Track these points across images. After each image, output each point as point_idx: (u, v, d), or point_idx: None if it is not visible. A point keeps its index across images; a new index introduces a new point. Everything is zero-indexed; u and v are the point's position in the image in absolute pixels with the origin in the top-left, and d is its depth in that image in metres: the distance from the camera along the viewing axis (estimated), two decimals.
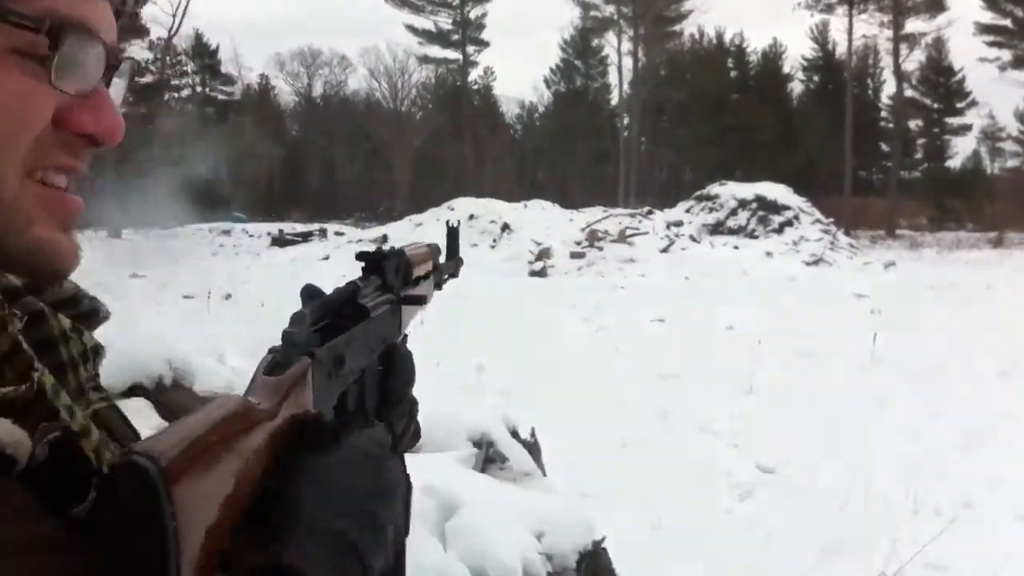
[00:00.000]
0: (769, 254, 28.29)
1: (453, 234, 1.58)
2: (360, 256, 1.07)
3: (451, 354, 12.26)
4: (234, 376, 4.75)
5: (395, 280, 1.08)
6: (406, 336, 1.22)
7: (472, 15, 64.29)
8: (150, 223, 46.83)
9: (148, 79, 54.79)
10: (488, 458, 5.53)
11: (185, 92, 62.91)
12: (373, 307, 0.97)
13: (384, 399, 1.01)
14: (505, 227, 28.88)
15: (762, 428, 8.75)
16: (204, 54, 62.43)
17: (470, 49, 65.04)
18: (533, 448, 6.09)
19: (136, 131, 56.25)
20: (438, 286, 1.41)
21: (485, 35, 65.49)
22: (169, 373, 4.55)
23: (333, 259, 27.48)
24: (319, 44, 77.11)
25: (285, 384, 0.74)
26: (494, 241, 28.38)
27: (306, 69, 68.65)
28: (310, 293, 0.98)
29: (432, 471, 4.66)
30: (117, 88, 0.78)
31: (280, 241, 34.31)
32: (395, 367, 1.04)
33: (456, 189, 40.74)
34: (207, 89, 63.59)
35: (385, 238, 29.43)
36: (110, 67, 0.75)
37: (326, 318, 0.90)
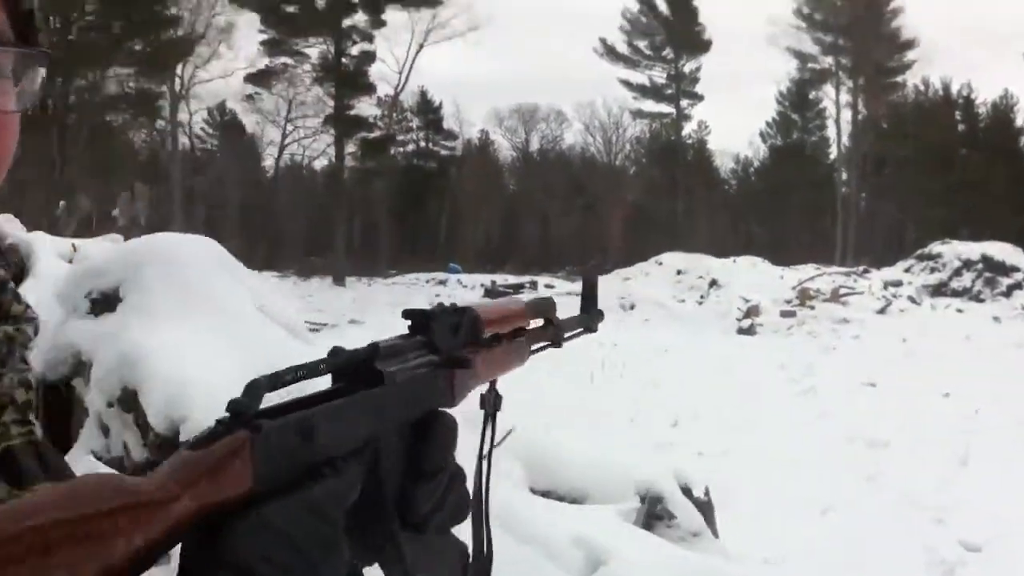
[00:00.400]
0: (996, 319, 26.79)
1: (589, 282, 1.44)
2: (406, 313, 1.00)
3: (648, 409, 12.21)
4: None
5: (448, 340, 1.00)
6: (497, 397, 1.18)
7: (686, 69, 64.12)
8: (372, 272, 48.91)
9: (375, 134, 57.36)
10: (654, 514, 5.47)
11: (410, 147, 65.32)
12: (396, 372, 0.90)
13: (415, 471, 0.93)
14: (713, 283, 28.56)
15: (972, 502, 8.30)
16: (428, 110, 64.77)
17: (684, 103, 64.78)
18: (706, 507, 5.98)
19: (359, 183, 58.98)
20: (556, 343, 1.29)
21: (699, 88, 65.12)
22: None
23: None
24: (537, 100, 78.57)
25: (200, 463, 0.69)
26: (701, 297, 28.12)
27: (523, 124, 70.15)
28: (411, 316, 0.98)
29: (586, 522, 4.67)
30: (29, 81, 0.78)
31: (492, 292, 35.03)
32: (431, 435, 0.95)
33: (668, 243, 40.60)
34: (430, 144, 65.87)
35: None
36: None
37: (339, 381, 0.86)
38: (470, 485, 1.15)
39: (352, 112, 55.60)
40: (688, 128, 67.08)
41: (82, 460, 5.08)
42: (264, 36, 54.11)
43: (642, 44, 64.19)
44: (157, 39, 45.36)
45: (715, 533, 6.15)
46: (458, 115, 66.86)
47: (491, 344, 1.10)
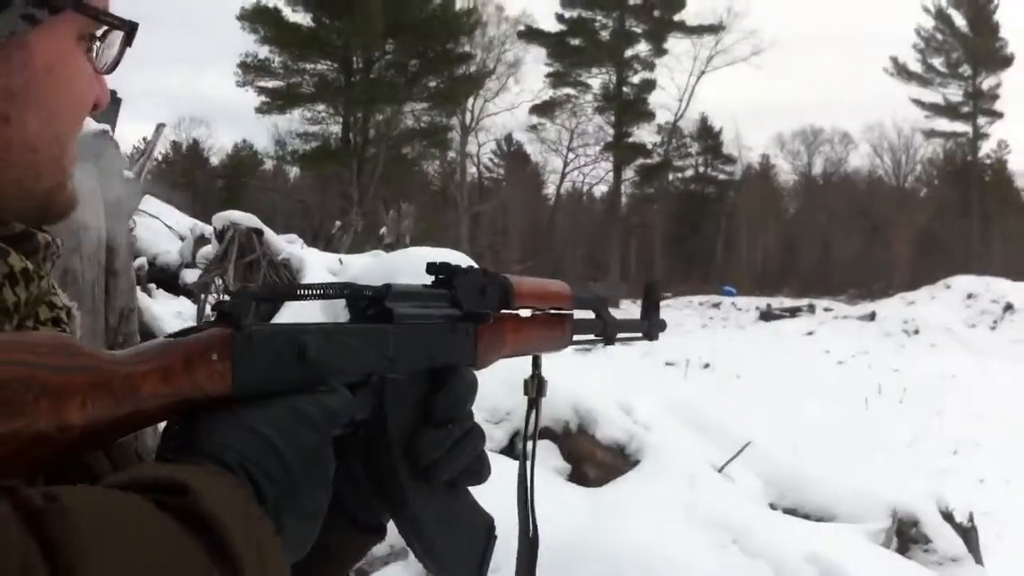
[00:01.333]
0: None
1: (650, 292, 1.42)
2: (430, 267, 1.00)
3: (926, 435, 11.61)
4: (636, 428, 4.92)
5: (473, 300, 0.99)
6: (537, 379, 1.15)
7: (984, 85, 60.21)
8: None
9: (654, 161, 57.54)
10: (909, 538, 5.23)
11: (688, 172, 65.00)
12: (408, 315, 0.91)
13: (424, 417, 0.93)
14: (1008, 307, 26.67)
15: None
16: (707, 135, 64.21)
17: (981, 121, 60.85)
18: (968, 533, 5.68)
19: (636, 208, 59.20)
20: (607, 339, 1.28)
21: (998, 106, 60.96)
22: (575, 419, 4.84)
23: (818, 334, 26.90)
24: (821, 123, 76.26)
25: (173, 349, 0.70)
26: (994, 322, 26.32)
27: (807, 147, 68.20)
28: (437, 270, 0.99)
29: (824, 540, 4.51)
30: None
31: (767, 315, 34.19)
32: (445, 385, 0.94)
33: (958, 267, 38.22)
34: (708, 169, 65.26)
35: (873, 315, 28.35)
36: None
37: (358, 316, 0.88)
38: (510, 469, 1.22)
39: (631, 139, 56.09)
40: (986, 147, 62.98)
41: None
42: (549, 69, 55.60)
43: (937, 61, 60.89)
44: (450, 75, 47.48)
45: (978, 560, 5.83)
46: (737, 140, 65.88)
47: (522, 318, 1.09)
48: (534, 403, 1.20)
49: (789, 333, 27.98)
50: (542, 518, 3.86)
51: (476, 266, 1.05)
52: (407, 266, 6.34)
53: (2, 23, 0.74)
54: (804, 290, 47.02)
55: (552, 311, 1.14)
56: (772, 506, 5.74)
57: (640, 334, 1.36)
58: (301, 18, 45.45)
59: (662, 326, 1.39)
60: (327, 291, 0.85)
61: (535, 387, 1.19)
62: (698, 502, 4.53)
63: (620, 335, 1.30)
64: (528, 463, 1.22)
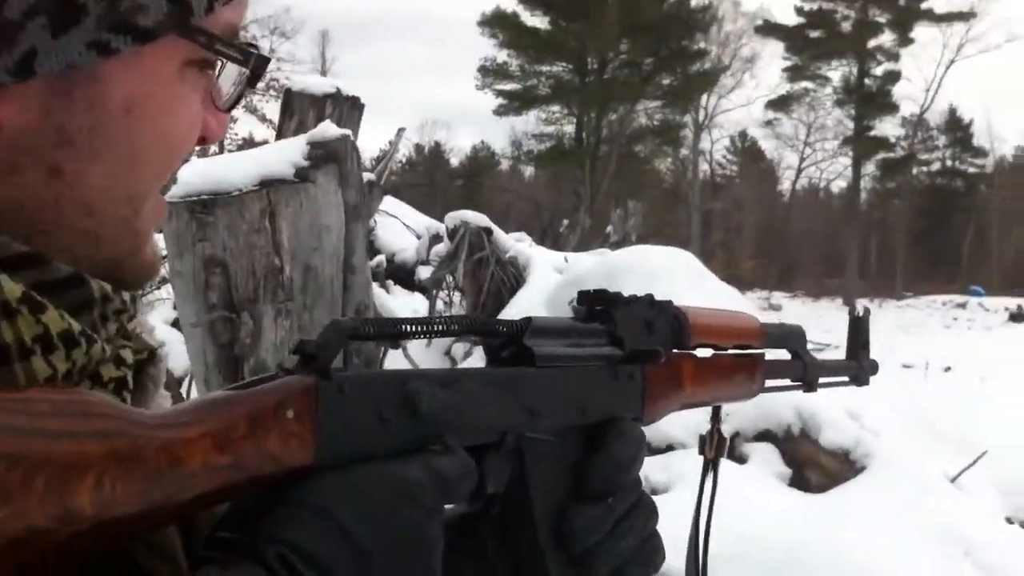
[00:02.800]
0: None
1: (858, 326, 1.16)
2: (582, 296, 0.83)
3: None
4: (863, 434, 4.79)
5: (638, 336, 0.81)
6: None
7: None
8: (886, 294, 46.97)
9: (897, 154, 55.15)
10: None
11: (934, 166, 61.99)
12: (555, 355, 0.73)
13: (577, 487, 0.74)
14: None
15: None
16: (956, 127, 60.97)
17: None
18: None
19: (877, 204, 56.86)
20: (807, 386, 1.07)
21: None
22: (798, 423, 4.75)
23: None
24: None
25: (234, 405, 0.54)
26: None
27: None
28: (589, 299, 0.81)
29: None
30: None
31: (1018, 317, 32.12)
32: (605, 447, 0.75)
33: None
34: (956, 162, 61.95)
35: None
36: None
37: (493, 358, 0.72)
38: (678, 539, 0.97)
39: (872, 133, 53.93)
40: None
41: None
42: (787, 63, 54.25)
43: None
44: (684, 72, 47.14)
45: None
46: (989, 130, 62.24)
47: (702, 359, 0.90)
48: (712, 464, 1.03)
49: None
50: (761, 521, 3.84)
51: (648, 294, 0.86)
52: (629, 266, 6.38)
53: (63, 50, 0.57)
54: None
55: (738, 350, 0.96)
56: (1009, 520, 5.46)
57: (847, 378, 1.14)
58: (538, 22, 46.35)
59: (874, 369, 1.17)
60: (448, 327, 0.67)
61: (714, 445, 1.02)
62: (928, 512, 4.37)
63: (823, 380, 1.10)
64: (702, 538, 1.02)
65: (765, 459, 4.73)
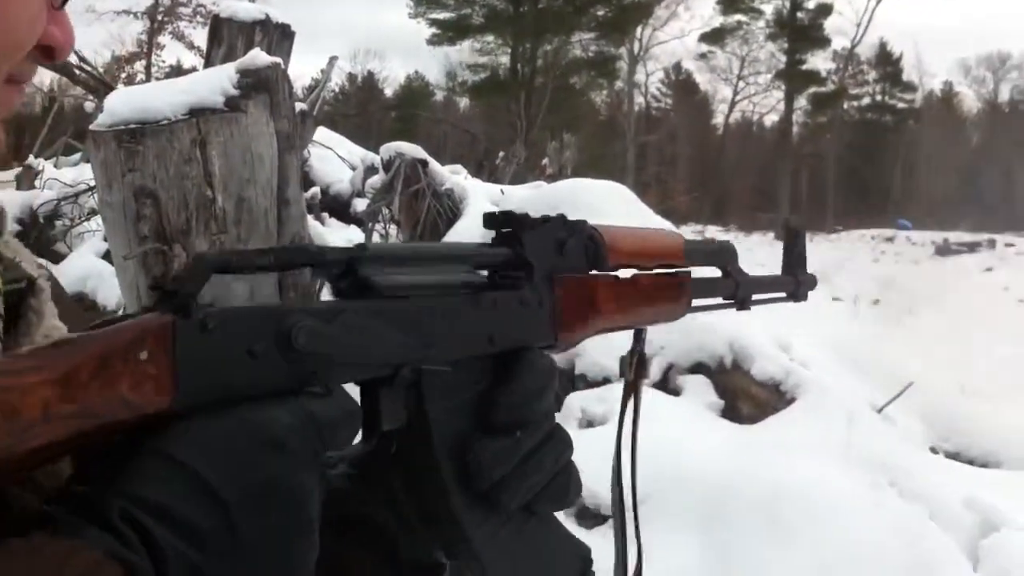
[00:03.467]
0: None
1: (793, 239, 1.12)
2: (488, 219, 0.76)
3: None
4: (793, 365, 4.87)
5: (548, 258, 0.76)
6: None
7: None
8: (816, 228, 47.72)
9: (828, 89, 55.63)
10: None
11: (864, 101, 62.65)
12: (455, 282, 0.69)
13: (484, 423, 0.69)
14: None
15: None
16: (886, 62, 61.57)
17: None
18: None
19: (808, 138, 57.38)
20: (741, 304, 1.03)
21: None
22: (730, 355, 4.82)
23: (997, 271, 25.71)
24: (1009, 47, 71.85)
25: (81, 347, 0.48)
26: None
27: (993, 74, 64.59)
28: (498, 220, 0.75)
29: (986, 486, 4.39)
30: None
31: (944, 250, 32.85)
32: (512, 376, 0.70)
33: None
34: (886, 97, 62.66)
35: None
36: None
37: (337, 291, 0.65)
38: (604, 473, 0.96)
39: (804, 67, 54.32)
40: None
41: None
42: None
43: None
44: (619, 4, 46.90)
45: None
46: (919, 66, 62.92)
47: (621, 280, 0.85)
48: (633, 387, 0.97)
49: (967, 269, 26.83)
50: (695, 452, 3.90)
51: (559, 214, 0.80)
52: (565, 199, 6.38)
53: None
54: (985, 224, 44.86)
55: (662, 270, 0.90)
56: (933, 449, 5.63)
57: (784, 294, 1.09)
58: None
59: (812, 283, 1.11)
60: (298, 256, 0.61)
61: (634, 366, 0.96)
62: (855, 442, 4.47)
63: (757, 297, 1.05)
64: (631, 462, 0.96)
65: (698, 391, 4.80)
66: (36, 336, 0.66)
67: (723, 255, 1.01)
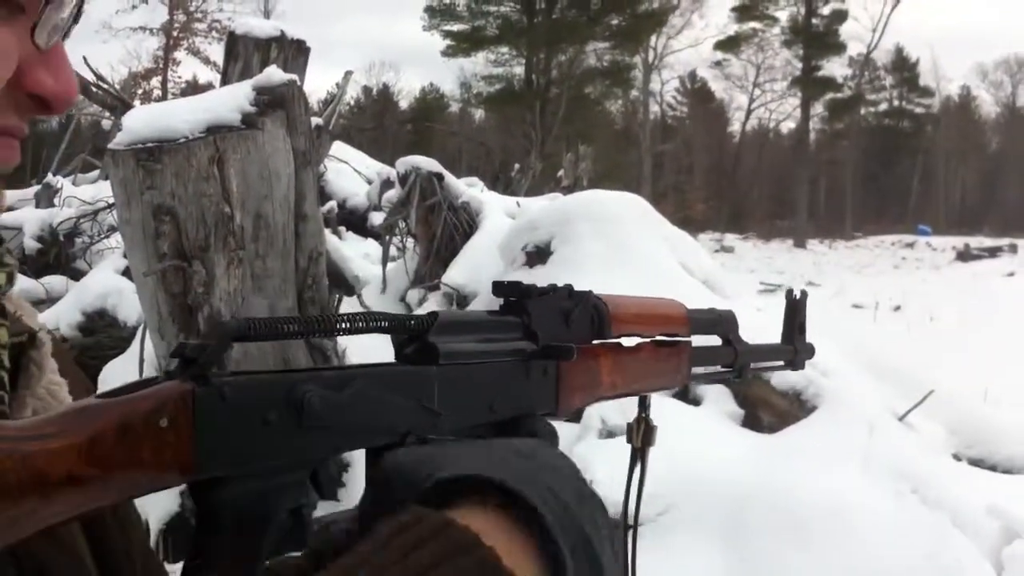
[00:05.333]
0: None
1: (794, 308, 1.13)
2: (497, 288, 0.79)
3: None
4: (813, 374, 4.86)
5: (553, 328, 0.78)
6: None
7: None
8: (835, 235, 47.56)
9: (844, 95, 55.48)
10: None
11: (881, 106, 62.49)
12: (460, 352, 0.69)
13: None
14: None
15: None
16: (903, 67, 61.44)
17: None
18: None
19: (825, 145, 57.23)
20: (737, 373, 1.04)
21: None
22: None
23: (1019, 276, 25.56)
24: None
25: (102, 413, 0.50)
26: None
27: (1011, 77, 64.35)
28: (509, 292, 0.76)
29: (1004, 493, 4.35)
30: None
31: (965, 256, 32.70)
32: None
33: None
34: (903, 102, 62.47)
35: None
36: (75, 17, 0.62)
37: (399, 354, 0.67)
38: (622, 482, 0.97)
39: (820, 73, 54.20)
40: None
41: None
42: (735, 2, 54.21)
43: None
44: (633, 12, 46.94)
45: None
46: (935, 71, 62.76)
47: (624, 348, 0.86)
48: (639, 454, 0.98)
49: (988, 274, 26.67)
50: (716, 462, 3.88)
51: (566, 285, 0.83)
52: (582, 212, 6.38)
53: None
54: (1006, 229, 44.64)
55: (663, 337, 0.91)
56: (956, 456, 5.57)
57: (782, 363, 1.11)
58: None
59: (810, 352, 1.13)
60: (351, 324, 0.62)
61: (640, 434, 0.98)
62: (876, 451, 4.44)
63: (756, 365, 1.07)
64: (631, 531, 0.97)
65: (717, 400, 4.77)
66: (37, 389, 0.68)
67: (723, 324, 1.01)
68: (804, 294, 1.14)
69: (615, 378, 0.85)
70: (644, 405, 0.96)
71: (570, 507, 0.57)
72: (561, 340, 0.77)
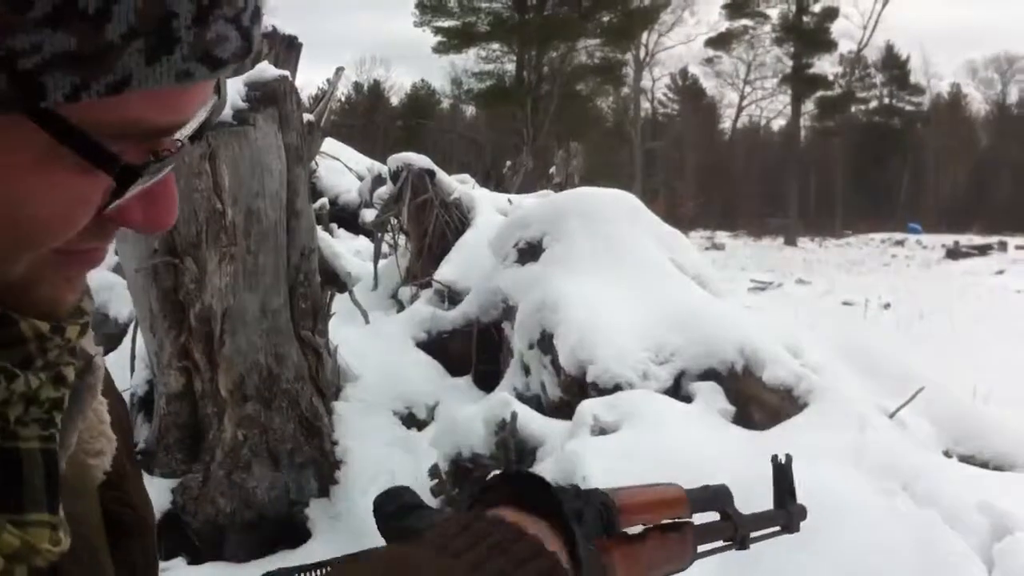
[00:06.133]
0: None
1: (781, 474, 1.15)
2: None
3: None
4: (804, 371, 4.86)
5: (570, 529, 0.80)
6: None
7: None
8: (825, 232, 47.70)
9: (835, 92, 55.59)
10: None
11: (872, 104, 62.61)
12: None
13: None
14: None
15: None
16: (893, 65, 61.55)
17: None
18: None
19: (816, 142, 57.30)
20: (738, 544, 1.07)
21: None
22: (741, 361, 4.81)
23: (1008, 274, 25.65)
24: (1016, 48, 71.71)
25: None
26: None
27: (1001, 76, 64.52)
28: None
29: (1000, 489, 4.36)
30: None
31: (954, 253, 32.80)
32: None
33: None
34: (894, 100, 62.61)
35: None
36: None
37: None
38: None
39: (811, 71, 54.27)
40: None
41: (502, 396, 5.56)
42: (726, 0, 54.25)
43: None
44: (624, 10, 46.91)
45: None
46: (926, 69, 62.94)
47: (632, 538, 0.90)
48: None
49: (978, 272, 26.79)
50: (707, 458, 3.88)
51: (573, 485, 0.86)
52: (573, 209, 6.39)
53: None
54: (995, 227, 44.78)
55: (668, 522, 0.95)
56: (947, 453, 5.59)
57: (778, 527, 1.13)
58: None
59: (803, 514, 1.15)
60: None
61: None
62: (867, 447, 4.46)
63: (755, 534, 1.10)
64: None
65: (709, 397, 4.78)
66: (87, 411, 0.70)
67: (720, 499, 1.04)
68: (789, 458, 1.16)
69: (630, 568, 0.87)
70: None
71: None
72: (590, 537, 0.79)
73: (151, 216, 0.60)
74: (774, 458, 1.15)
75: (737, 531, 1.05)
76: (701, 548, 0.98)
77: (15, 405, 0.59)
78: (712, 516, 1.05)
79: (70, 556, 0.62)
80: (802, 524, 1.13)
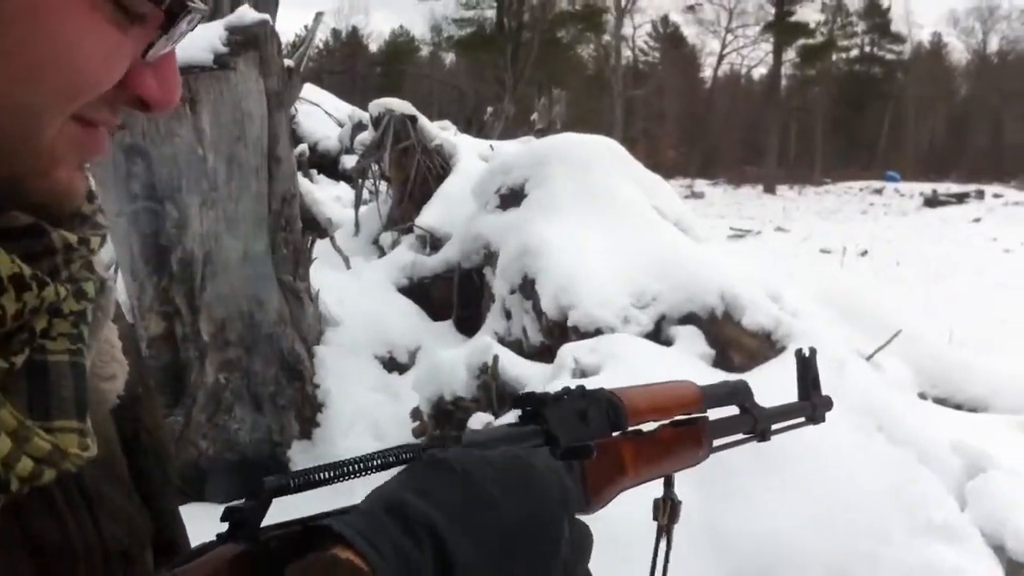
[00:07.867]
0: None
1: (806, 364, 1.17)
2: (516, 401, 0.82)
3: None
4: (783, 315, 4.91)
5: (572, 429, 0.81)
6: None
7: None
8: (805, 181, 47.74)
9: (816, 41, 55.39)
10: None
11: (853, 52, 62.39)
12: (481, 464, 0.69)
13: None
14: None
15: None
16: (875, 13, 61.25)
17: None
18: None
19: (797, 91, 57.23)
20: (760, 436, 1.07)
21: None
22: (721, 306, 4.85)
23: (985, 221, 25.83)
24: None
25: None
26: None
27: (982, 24, 64.37)
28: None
29: (973, 430, 4.45)
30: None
31: (932, 202, 32.90)
32: None
33: None
34: (875, 48, 62.41)
35: None
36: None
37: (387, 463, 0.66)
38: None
39: (793, 19, 53.99)
40: None
41: (484, 340, 5.60)
42: None
43: None
44: None
45: None
46: (908, 17, 62.70)
47: (642, 435, 0.89)
48: (664, 531, 1.01)
49: (955, 220, 26.94)
50: None
51: (579, 386, 0.86)
52: (556, 155, 6.38)
53: None
54: (973, 175, 44.93)
55: (681, 418, 0.95)
56: (922, 395, 5.68)
57: (803, 419, 1.14)
58: None
59: (828, 405, 1.16)
60: (383, 460, 0.64)
61: (666, 511, 1.00)
62: (844, 389, 4.51)
63: (776, 426, 1.09)
64: None
65: (689, 341, 4.83)
66: (100, 334, 0.71)
67: (739, 394, 1.05)
68: (813, 351, 1.18)
69: (639, 465, 0.87)
70: (669, 484, 0.99)
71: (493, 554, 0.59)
72: (581, 439, 0.79)
73: (164, 88, 0.61)
74: (798, 352, 1.16)
75: (757, 424, 1.05)
76: (719, 442, 0.99)
77: (41, 317, 0.61)
78: (733, 411, 1.06)
79: (95, 466, 0.64)
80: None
